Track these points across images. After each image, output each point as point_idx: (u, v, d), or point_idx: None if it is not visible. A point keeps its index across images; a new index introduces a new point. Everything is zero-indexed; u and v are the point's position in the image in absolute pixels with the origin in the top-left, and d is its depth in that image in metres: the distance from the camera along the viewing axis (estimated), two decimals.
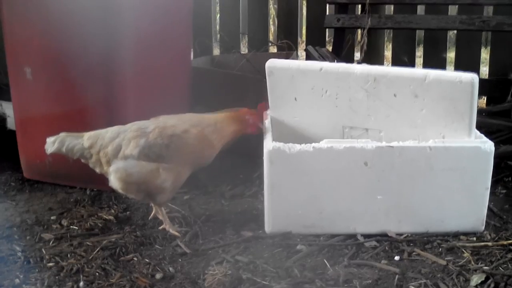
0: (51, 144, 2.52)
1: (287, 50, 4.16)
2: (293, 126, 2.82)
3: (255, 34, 4.68)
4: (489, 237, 2.47)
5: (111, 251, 2.37)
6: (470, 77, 2.39)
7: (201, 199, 2.96)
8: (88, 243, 2.46)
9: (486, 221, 2.52)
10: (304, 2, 5.76)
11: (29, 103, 3.06)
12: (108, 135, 2.47)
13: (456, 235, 2.48)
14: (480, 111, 3.72)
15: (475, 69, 4.23)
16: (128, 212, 2.78)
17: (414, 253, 2.35)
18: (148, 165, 2.43)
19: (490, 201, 2.54)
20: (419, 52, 4.91)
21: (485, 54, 5.18)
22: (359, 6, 4.21)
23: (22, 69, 3.00)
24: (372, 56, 4.37)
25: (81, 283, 2.15)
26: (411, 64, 4.39)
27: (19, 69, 3.01)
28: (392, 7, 4.56)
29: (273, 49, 5.07)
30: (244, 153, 3.21)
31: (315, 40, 4.42)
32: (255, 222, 2.64)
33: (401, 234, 2.48)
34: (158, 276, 2.20)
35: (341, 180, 2.44)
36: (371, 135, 2.67)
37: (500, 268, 2.23)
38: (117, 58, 2.88)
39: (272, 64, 2.76)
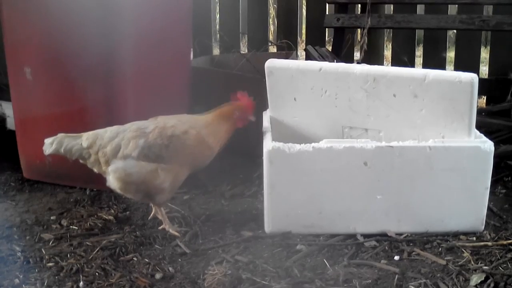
0: (49, 145, 2.52)
1: (287, 50, 4.16)
2: (293, 126, 2.82)
3: (255, 33, 4.68)
4: (488, 236, 2.47)
5: (110, 251, 2.37)
6: (469, 77, 2.39)
7: (201, 199, 2.96)
8: (87, 243, 2.46)
9: (485, 221, 2.52)
10: (304, 2, 5.76)
11: (29, 103, 3.06)
12: (107, 135, 2.47)
13: (455, 235, 2.48)
14: (480, 111, 3.73)
15: (475, 68, 4.22)
16: (127, 212, 2.78)
17: (413, 252, 2.35)
18: (148, 165, 2.43)
19: (489, 200, 2.54)
20: (419, 52, 4.91)
21: (485, 54, 5.18)
22: (359, 5, 4.21)
23: (22, 69, 3.00)
24: (372, 56, 4.37)
25: (81, 283, 2.15)
26: (411, 63, 4.39)
27: (19, 69, 3.01)
28: (391, 6, 4.55)
29: (272, 49, 5.07)
30: (244, 153, 3.21)
31: (315, 40, 4.42)
32: (255, 222, 2.64)
33: (400, 234, 2.48)
34: (158, 276, 2.20)
35: (340, 180, 2.44)
36: (370, 135, 2.67)
37: (499, 267, 2.23)
38: (117, 58, 2.88)
39: (271, 64, 2.76)
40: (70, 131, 2.58)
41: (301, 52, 4.97)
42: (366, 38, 3.86)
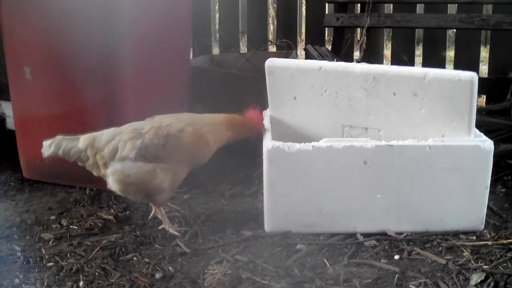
0: (48, 147, 2.53)
1: (287, 49, 4.16)
2: (293, 125, 2.82)
3: (255, 33, 4.68)
4: (488, 236, 2.47)
5: (110, 251, 2.37)
6: (469, 76, 2.39)
7: (201, 198, 2.96)
8: (87, 242, 2.46)
9: (485, 220, 2.52)
10: (304, 1, 5.75)
11: (29, 103, 3.05)
12: (104, 138, 2.47)
13: (455, 234, 2.48)
14: (479, 110, 3.73)
15: (475, 67, 4.23)
16: (127, 212, 2.78)
17: (413, 252, 2.35)
18: (146, 165, 2.43)
19: (489, 200, 2.54)
20: (419, 51, 4.90)
21: (484, 53, 5.18)
22: (359, 5, 4.21)
23: (22, 68, 2.99)
24: (372, 55, 4.36)
25: (81, 283, 2.15)
26: (411, 63, 4.39)
27: (19, 68, 3.01)
28: (391, 6, 4.55)
29: (272, 48, 5.07)
30: (244, 152, 3.21)
31: (315, 39, 4.42)
32: (255, 221, 2.64)
33: (400, 233, 2.48)
34: (158, 275, 2.20)
35: (340, 179, 2.44)
36: (370, 134, 2.67)
37: (499, 267, 2.23)
38: (117, 58, 2.87)
39: (271, 63, 2.76)
40: (70, 131, 2.58)
41: (301, 52, 4.97)
42: (366, 38, 3.87)
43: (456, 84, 2.40)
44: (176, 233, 2.52)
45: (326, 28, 4.48)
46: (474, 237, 2.46)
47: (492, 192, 2.74)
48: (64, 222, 2.68)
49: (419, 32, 4.72)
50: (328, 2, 4.41)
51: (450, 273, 2.19)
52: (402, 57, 4.41)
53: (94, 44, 2.83)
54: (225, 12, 4.87)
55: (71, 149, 2.49)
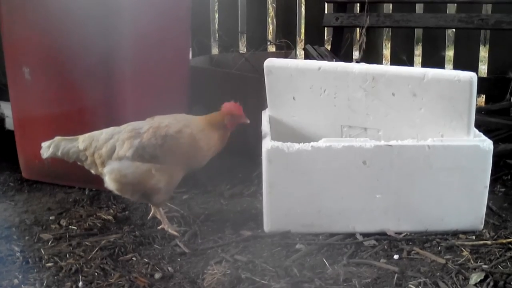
0: (46, 148, 2.53)
1: (286, 49, 4.16)
2: (292, 125, 2.82)
3: (254, 33, 4.68)
4: (488, 235, 2.47)
5: (110, 251, 2.37)
6: (468, 76, 2.39)
7: (200, 198, 2.96)
8: (87, 243, 2.45)
9: (485, 220, 2.52)
10: (303, 1, 5.76)
11: (28, 103, 3.05)
12: (102, 137, 2.47)
13: (455, 234, 2.48)
14: (479, 110, 3.72)
15: (474, 67, 4.23)
16: (127, 212, 2.78)
17: (413, 251, 2.35)
18: (143, 165, 2.43)
19: (489, 199, 2.54)
20: (418, 51, 4.91)
21: (483, 53, 5.18)
22: (358, 4, 4.21)
23: (21, 69, 2.99)
24: (371, 55, 4.36)
25: (80, 283, 2.15)
26: (410, 62, 4.39)
27: (18, 69, 3.00)
28: (390, 5, 4.56)
29: (271, 48, 5.07)
30: (243, 153, 3.21)
31: (314, 39, 4.42)
32: (254, 221, 2.64)
33: (400, 233, 2.48)
34: (157, 275, 2.20)
35: (339, 179, 2.44)
36: (369, 134, 2.67)
37: (499, 266, 2.23)
38: (116, 58, 2.87)
39: (270, 63, 2.76)
40: (69, 131, 2.58)
41: (300, 51, 4.97)
42: (365, 37, 3.87)
43: (455, 84, 2.40)
44: (175, 233, 2.52)
45: (325, 28, 4.48)
46: (474, 237, 2.46)
47: (491, 191, 2.74)
48: (63, 222, 2.68)
49: (418, 32, 4.72)
50: (327, 2, 4.41)
51: (449, 272, 2.19)
52: (401, 57, 4.41)
53: (94, 44, 2.82)
54: (224, 12, 4.86)
55: (70, 149, 2.50)
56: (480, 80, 2.80)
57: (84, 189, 3.03)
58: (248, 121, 2.57)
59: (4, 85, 3.30)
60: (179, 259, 2.34)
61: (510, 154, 3.27)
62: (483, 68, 4.81)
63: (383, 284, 2.14)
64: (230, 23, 4.76)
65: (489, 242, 2.40)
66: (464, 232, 2.49)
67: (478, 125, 2.63)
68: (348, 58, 4.35)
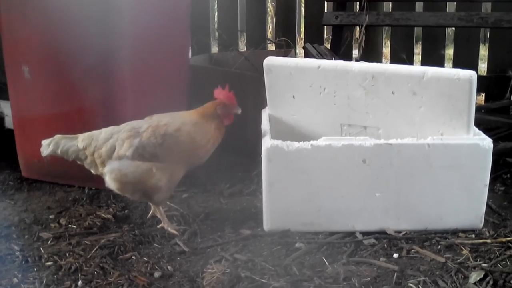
0: (46, 146, 2.53)
1: (286, 48, 4.16)
2: (291, 123, 2.82)
3: (253, 31, 4.68)
4: (487, 234, 2.47)
5: (109, 250, 2.37)
6: (468, 74, 2.38)
7: (200, 197, 2.96)
8: (86, 242, 2.45)
9: (484, 218, 2.51)
10: (303, 0, 5.75)
11: (27, 102, 3.05)
12: (102, 136, 2.47)
13: (454, 232, 2.48)
14: (478, 108, 3.72)
15: (474, 66, 4.23)
16: (126, 211, 2.78)
17: (412, 250, 2.35)
18: (143, 164, 2.42)
19: (488, 198, 2.54)
20: (418, 49, 4.91)
21: (483, 51, 5.18)
22: (357, 3, 4.21)
23: (20, 67, 2.99)
24: (371, 54, 4.37)
25: (80, 282, 2.15)
26: (410, 61, 4.39)
27: (17, 67, 3.00)
28: (390, 4, 4.55)
29: (271, 47, 5.07)
30: (243, 151, 3.21)
31: (314, 38, 4.42)
32: (254, 220, 2.64)
33: (399, 232, 2.48)
34: (157, 274, 2.20)
35: (339, 177, 2.44)
36: (369, 132, 2.67)
37: (499, 265, 2.23)
38: (115, 57, 2.87)
39: (270, 61, 2.75)
40: (68, 130, 2.58)
41: (300, 50, 4.97)
42: (365, 36, 3.87)
43: (455, 83, 2.40)
44: (175, 232, 2.52)
45: (325, 27, 4.49)
46: (473, 235, 2.46)
47: (491, 190, 2.73)
48: (63, 221, 2.67)
49: (418, 31, 4.73)
50: (327, 1, 4.41)
51: (449, 271, 2.19)
52: (401, 56, 4.41)
53: (93, 43, 2.82)
54: (224, 10, 4.87)
55: (70, 148, 2.50)
56: (480, 78, 2.79)
57: (84, 188, 3.03)
58: (240, 111, 2.54)
59: (3, 84, 3.30)
60: (178, 258, 2.34)
61: (510, 153, 3.27)
62: (483, 67, 4.81)
63: (382, 282, 2.14)
64: (230, 22, 4.77)
65: (488, 241, 2.40)
66: (464, 231, 2.49)
67: (478, 124, 2.63)
68: (347, 57, 4.36)
